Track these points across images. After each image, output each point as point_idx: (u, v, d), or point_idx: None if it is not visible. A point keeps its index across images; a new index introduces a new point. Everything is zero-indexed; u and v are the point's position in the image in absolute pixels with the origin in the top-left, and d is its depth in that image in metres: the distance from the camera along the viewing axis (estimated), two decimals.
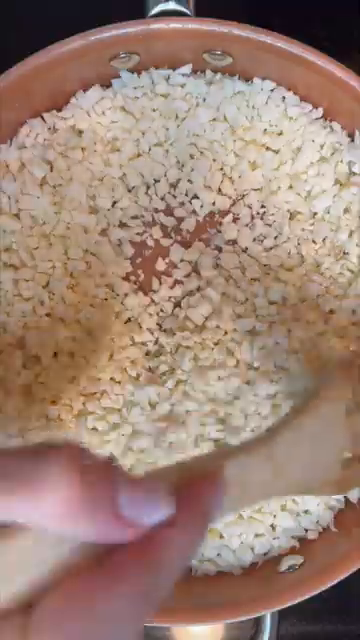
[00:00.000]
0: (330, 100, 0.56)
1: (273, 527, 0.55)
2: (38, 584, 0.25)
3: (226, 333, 0.55)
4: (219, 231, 0.57)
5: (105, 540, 0.25)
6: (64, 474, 0.25)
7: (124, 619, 0.24)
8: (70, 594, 0.24)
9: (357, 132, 0.57)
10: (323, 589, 0.50)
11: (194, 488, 0.29)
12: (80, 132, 0.57)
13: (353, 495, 0.55)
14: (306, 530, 0.55)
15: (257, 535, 0.55)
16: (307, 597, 0.50)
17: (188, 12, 0.54)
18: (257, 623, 0.54)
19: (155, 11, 0.54)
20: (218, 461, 0.33)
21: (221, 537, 0.54)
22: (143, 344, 0.55)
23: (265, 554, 0.55)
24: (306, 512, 0.55)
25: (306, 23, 0.64)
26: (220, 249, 0.57)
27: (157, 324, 0.56)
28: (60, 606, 0.24)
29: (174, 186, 0.58)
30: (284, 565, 0.54)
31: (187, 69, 0.57)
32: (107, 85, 0.58)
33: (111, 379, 0.54)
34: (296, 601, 0.50)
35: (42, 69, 0.53)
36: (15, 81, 0.52)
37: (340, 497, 0.56)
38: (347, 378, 0.45)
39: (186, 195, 0.58)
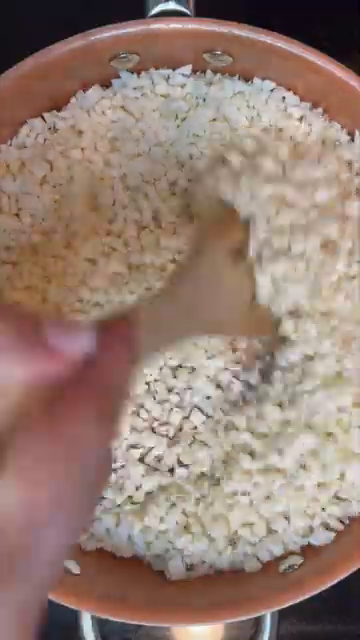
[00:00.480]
0: (330, 100, 0.56)
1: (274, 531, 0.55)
2: None
3: None
4: None
5: (40, 374, 0.27)
6: None
7: (91, 440, 0.27)
8: (36, 428, 0.26)
9: (357, 132, 0.57)
10: (324, 589, 0.50)
11: (113, 327, 0.32)
12: (80, 132, 0.57)
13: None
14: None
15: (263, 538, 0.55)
16: (307, 597, 0.50)
17: (188, 12, 0.54)
18: (257, 623, 0.54)
19: (155, 11, 0.54)
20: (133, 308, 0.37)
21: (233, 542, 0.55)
22: None
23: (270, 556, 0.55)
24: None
25: (306, 23, 0.64)
26: None
27: None
28: (33, 439, 0.26)
29: (174, 186, 0.58)
30: (284, 565, 0.54)
31: (187, 69, 0.57)
32: (107, 85, 0.58)
33: None
34: (297, 601, 0.50)
35: (42, 69, 0.53)
36: (15, 81, 0.52)
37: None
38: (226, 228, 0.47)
39: None
